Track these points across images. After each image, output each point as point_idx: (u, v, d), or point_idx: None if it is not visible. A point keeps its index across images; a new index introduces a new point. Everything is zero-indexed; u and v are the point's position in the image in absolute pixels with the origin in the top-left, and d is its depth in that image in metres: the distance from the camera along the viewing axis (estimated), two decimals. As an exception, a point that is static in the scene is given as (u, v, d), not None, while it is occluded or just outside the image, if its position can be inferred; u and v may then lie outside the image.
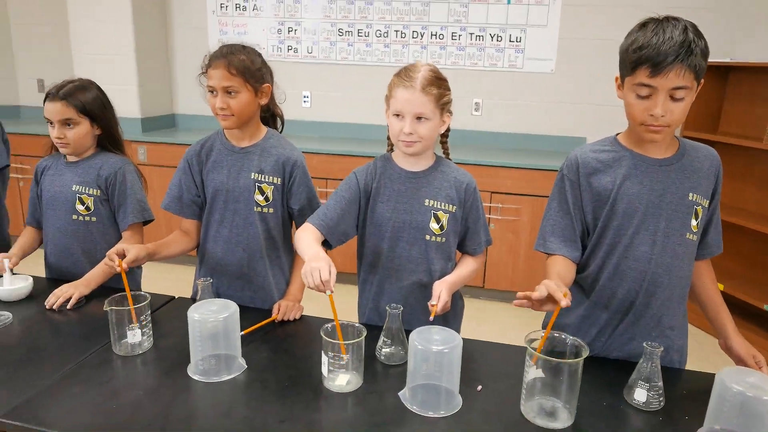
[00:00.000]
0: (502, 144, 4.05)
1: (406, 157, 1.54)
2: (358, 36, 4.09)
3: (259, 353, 1.43)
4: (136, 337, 1.40)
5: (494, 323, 3.42)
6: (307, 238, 1.44)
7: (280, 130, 1.81)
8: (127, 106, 4.10)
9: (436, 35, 3.98)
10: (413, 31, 4.00)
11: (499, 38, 3.90)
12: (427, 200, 1.53)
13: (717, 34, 3.41)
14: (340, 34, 4.11)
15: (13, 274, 1.75)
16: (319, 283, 1.24)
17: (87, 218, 1.80)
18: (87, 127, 1.77)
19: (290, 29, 4.18)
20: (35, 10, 4.58)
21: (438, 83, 1.45)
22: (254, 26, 4.24)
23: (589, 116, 3.90)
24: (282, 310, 1.61)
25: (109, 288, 1.77)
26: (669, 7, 1.56)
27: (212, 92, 1.60)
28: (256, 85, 1.61)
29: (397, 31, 4.03)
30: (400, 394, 1.26)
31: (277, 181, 1.68)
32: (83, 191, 1.78)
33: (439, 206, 1.53)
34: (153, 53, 4.25)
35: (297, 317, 1.63)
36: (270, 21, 4.20)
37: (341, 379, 1.29)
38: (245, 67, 1.57)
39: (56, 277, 1.85)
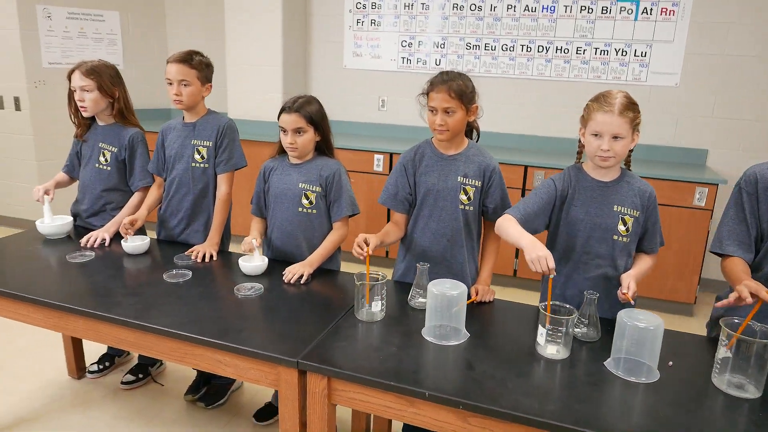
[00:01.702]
0: (621, 154, 4.21)
1: (598, 169, 1.80)
2: (485, 50, 4.38)
3: (472, 326, 1.73)
4: (377, 306, 1.74)
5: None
6: (515, 226, 1.73)
7: (476, 140, 2.12)
8: (270, 112, 4.56)
9: (561, 50, 4.20)
10: (539, 46, 4.24)
11: (624, 53, 4.07)
12: (615, 206, 1.79)
13: None
14: (468, 48, 4.41)
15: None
16: (546, 270, 1.53)
17: (309, 211, 2.17)
18: (311, 135, 2.15)
19: (420, 43, 4.52)
20: (191, 23, 5.16)
21: (632, 108, 1.71)
22: (386, 40, 4.61)
23: (712, 129, 4.00)
24: (480, 293, 1.92)
25: (324, 270, 2.15)
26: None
27: (432, 111, 1.92)
28: (468, 105, 1.92)
29: (522, 45, 4.28)
30: (605, 363, 1.53)
31: (478, 184, 2.00)
32: (308, 188, 2.16)
33: (626, 212, 1.79)
34: (294, 64, 4.71)
35: (491, 300, 1.94)
36: (402, 36, 4.56)
37: (551, 348, 1.58)
38: (462, 91, 1.89)
39: (279, 258, 2.22)
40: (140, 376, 2.72)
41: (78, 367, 2.76)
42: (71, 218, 2.49)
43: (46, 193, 2.45)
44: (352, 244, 1.84)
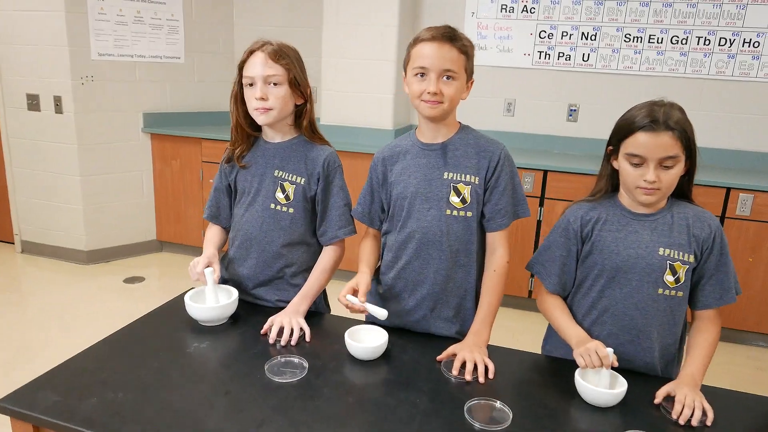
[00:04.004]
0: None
1: None
2: (649, 42, 3.56)
3: None
4: None
5: None
6: None
7: None
8: (381, 116, 3.71)
9: (749, 43, 3.40)
10: (721, 38, 3.44)
11: (834, 47, 3.29)
12: None
13: None
14: (627, 40, 3.59)
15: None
16: None
17: (673, 293, 1.32)
18: (680, 169, 1.30)
19: (564, 33, 3.68)
20: (264, 3, 4.26)
21: None
22: (520, 30, 3.77)
23: None
24: None
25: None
26: None
27: None
28: None
29: (699, 37, 3.47)
30: None
31: None
32: (676, 258, 1.31)
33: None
34: (400, 60, 3.84)
35: None
36: (540, 24, 3.72)
37: None
38: None
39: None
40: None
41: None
42: (236, 292, 1.58)
43: (208, 265, 1.55)
44: None
